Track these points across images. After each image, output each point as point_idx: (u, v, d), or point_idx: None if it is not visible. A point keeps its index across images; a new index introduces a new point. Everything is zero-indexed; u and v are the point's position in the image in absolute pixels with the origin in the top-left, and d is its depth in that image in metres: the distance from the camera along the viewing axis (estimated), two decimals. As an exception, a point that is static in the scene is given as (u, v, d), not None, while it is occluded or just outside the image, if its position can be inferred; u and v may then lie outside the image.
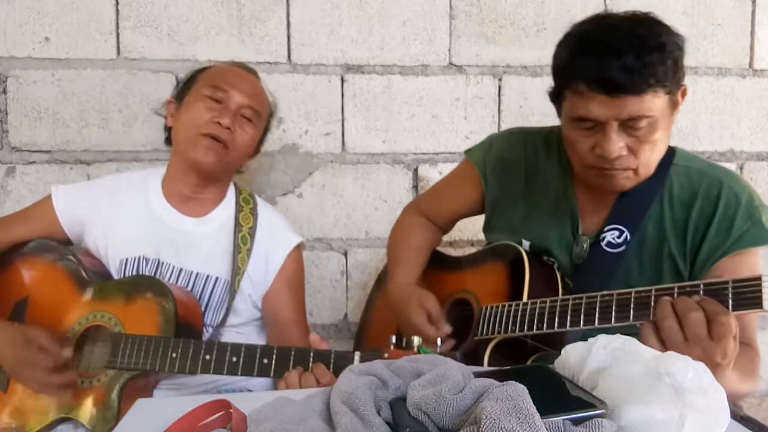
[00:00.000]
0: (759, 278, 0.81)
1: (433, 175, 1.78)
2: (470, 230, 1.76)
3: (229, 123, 1.25)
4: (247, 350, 1.06)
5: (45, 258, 1.29)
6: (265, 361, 1.05)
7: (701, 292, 0.85)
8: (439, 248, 1.47)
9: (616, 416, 0.52)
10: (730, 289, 0.83)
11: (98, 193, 1.34)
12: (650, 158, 1.03)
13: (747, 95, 1.85)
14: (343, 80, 1.74)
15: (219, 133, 1.24)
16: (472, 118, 1.78)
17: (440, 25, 1.75)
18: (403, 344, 0.96)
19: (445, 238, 1.51)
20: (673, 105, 1.03)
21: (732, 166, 1.86)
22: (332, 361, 1.00)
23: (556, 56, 1.07)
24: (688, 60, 1.80)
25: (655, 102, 0.97)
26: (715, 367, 0.84)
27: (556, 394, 0.57)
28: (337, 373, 0.98)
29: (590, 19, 1.04)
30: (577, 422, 0.51)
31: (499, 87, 1.79)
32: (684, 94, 1.05)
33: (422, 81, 1.76)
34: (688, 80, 1.81)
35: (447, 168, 1.74)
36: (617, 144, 0.99)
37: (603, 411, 0.52)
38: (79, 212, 1.32)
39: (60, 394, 1.15)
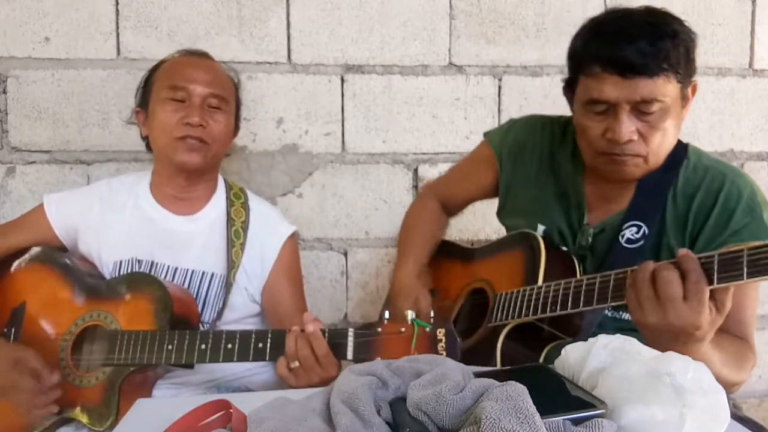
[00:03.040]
0: None
1: (433, 175, 1.77)
2: (470, 231, 1.76)
3: (199, 120, 1.24)
4: (242, 336, 1.07)
5: (41, 263, 1.31)
6: (260, 345, 1.06)
7: (716, 262, 0.84)
8: (454, 240, 1.47)
9: (616, 416, 0.52)
10: (745, 256, 0.82)
11: (89, 199, 1.35)
12: (660, 146, 1.04)
13: (747, 95, 1.85)
14: (343, 80, 1.74)
15: (192, 132, 1.24)
16: (472, 118, 1.78)
17: (440, 25, 1.75)
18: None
19: (445, 238, 1.51)
20: (684, 98, 1.05)
21: (732, 166, 1.86)
22: (327, 338, 1.02)
23: (572, 45, 1.10)
24: (688, 60, 1.81)
25: (667, 87, 0.99)
26: (688, 338, 0.85)
27: (556, 394, 0.57)
28: (332, 351, 1.01)
29: (605, 11, 1.08)
30: (577, 422, 0.51)
31: (499, 87, 1.79)
32: (694, 90, 1.07)
33: (422, 81, 1.76)
34: (688, 80, 1.83)
35: (447, 168, 1.74)
36: (629, 127, 1.01)
37: (603, 411, 0.52)
38: (72, 219, 1.34)
39: (42, 415, 1.14)
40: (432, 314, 1.03)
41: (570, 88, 1.12)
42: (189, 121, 1.23)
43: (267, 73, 1.72)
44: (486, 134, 1.38)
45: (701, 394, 0.51)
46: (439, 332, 0.96)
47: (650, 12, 1.03)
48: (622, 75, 0.98)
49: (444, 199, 1.44)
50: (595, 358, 0.59)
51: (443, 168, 1.77)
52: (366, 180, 1.77)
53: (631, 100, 0.99)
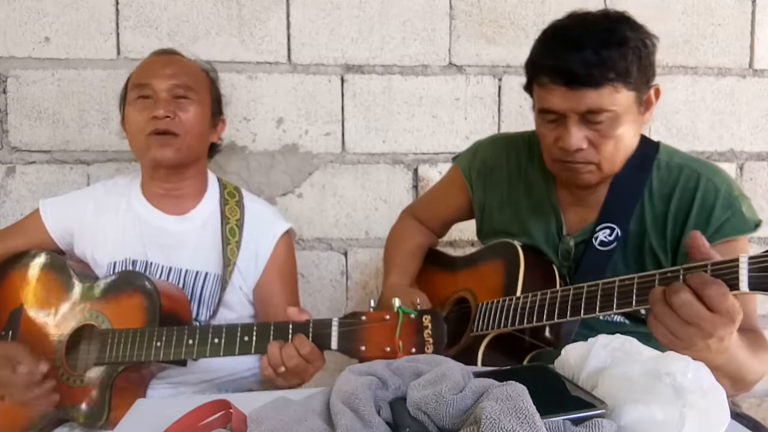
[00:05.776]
0: (736, 260, 0.78)
1: (433, 175, 1.78)
2: (470, 231, 1.75)
3: (164, 111, 1.23)
4: (227, 330, 1.08)
5: (37, 266, 1.31)
6: (246, 338, 1.06)
7: (681, 276, 0.83)
8: (440, 248, 1.48)
9: (616, 416, 0.52)
10: (708, 272, 0.81)
11: (83, 202, 1.36)
12: (614, 154, 1.04)
13: (747, 95, 1.85)
14: (343, 80, 1.74)
15: (160, 125, 1.23)
16: (472, 118, 1.78)
17: (440, 25, 1.75)
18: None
19: (446, 238, 1.51)
20: (645, 103, 1.04)
21: (732, 166, 1.86)
22: (311, 330, 1.02)
23: (530, 51, 1.10)
24: (688, 60, 1.82)
25: (615, 97, 0.98)
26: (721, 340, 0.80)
27: (556, 394, 0.57)
28: (316, 342, 1.00)
29: (566, 15, 1.07)
30: (577, 422, 0.51)
31: (499, 87, 1.79)
32: (657, 94, 1.06)
33: (422, 81, 1.76)
34: (688, 80, 1.84)
35: (447, 168, 1.74)
36: (576, 136, 1.01)
37: (603, 411, 0.52)
38: (67, 222, 1.35)
39: (43, 406, 1.15)
40: (418, 301, 1.02)
41: (529, 92, 1.12)
42: (155, 114, 1.23)
43: (267, 73, 1.72)
44: (455, 158, 1.39)
45: (701, 394, 0.51)
46: (425, 318, 0.95)
47: (605, 17, 1.02)
48: (567, 86, 0.99)
49: (423, 221, 1.45)
50: (595, 358, 0.59)
51: (443, 168, 1.77)
52: (366, 180, 1.77)
53: (577, 111, 1.00)
